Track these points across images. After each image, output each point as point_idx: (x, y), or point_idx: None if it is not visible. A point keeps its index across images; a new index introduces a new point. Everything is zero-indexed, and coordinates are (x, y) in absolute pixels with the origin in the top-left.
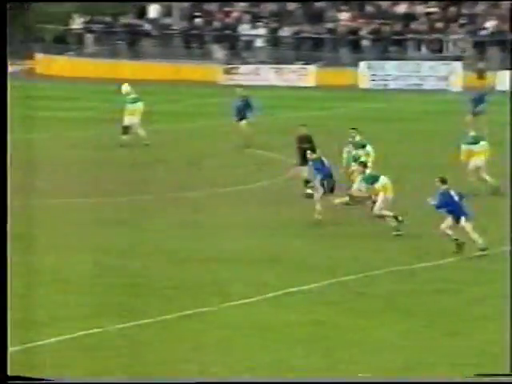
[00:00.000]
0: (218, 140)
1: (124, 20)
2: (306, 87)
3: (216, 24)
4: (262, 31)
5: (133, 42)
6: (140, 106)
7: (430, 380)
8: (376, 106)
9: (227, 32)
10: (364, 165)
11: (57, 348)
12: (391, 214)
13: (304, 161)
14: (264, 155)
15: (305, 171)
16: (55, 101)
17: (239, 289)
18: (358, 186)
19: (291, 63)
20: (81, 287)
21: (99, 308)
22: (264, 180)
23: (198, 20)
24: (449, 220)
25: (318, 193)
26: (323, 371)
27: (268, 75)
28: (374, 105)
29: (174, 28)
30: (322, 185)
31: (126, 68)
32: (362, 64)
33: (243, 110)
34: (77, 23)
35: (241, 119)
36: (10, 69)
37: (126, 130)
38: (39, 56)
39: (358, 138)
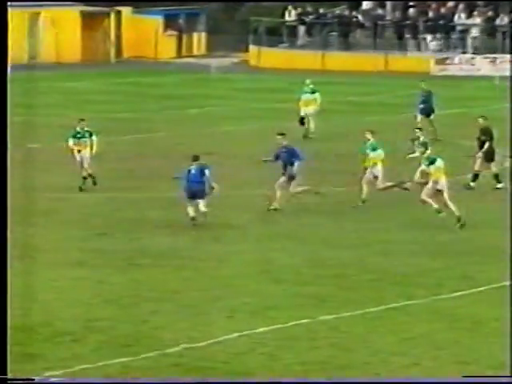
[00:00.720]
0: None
1: (337, 11)
2: None
3: (430, 14)
4: (477, 20)
5: (344, 33)
6: (316, 96)
7: (430, 380)
8: None
9: (441, 22)
10: (425, 146)
11: (266, 337)
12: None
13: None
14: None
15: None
16: (266, 93)
17: (447, 281)
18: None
19: (508, 53)
20: (291, 277)
21: (307, 298)
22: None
23: (411, 10)
24: None
25: (280, 180)
26: None
27: (482, 65)
28: None
29: (387, 19)
30: (284, 173)
31: (337, 59)
32: None
33: (427, 104)
34: (292, 15)
35: (427, 114)
36: (226, 62)
37: (303, 120)
38: (253, 48)
39: (422, 138)
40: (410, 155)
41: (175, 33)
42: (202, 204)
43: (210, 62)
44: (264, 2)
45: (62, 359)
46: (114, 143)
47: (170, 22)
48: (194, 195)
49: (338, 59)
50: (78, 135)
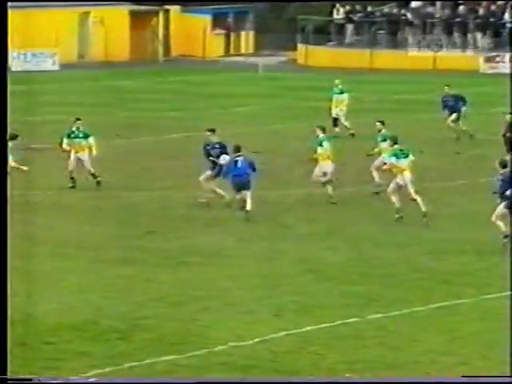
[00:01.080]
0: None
1: (386, 9)
2: None
3: (480, 12)
4: None
5: (393, 31)
6: (344, 97)
7: (430, 380)
8: None
9: (491, 20)
10: (394, 141)
11: (313, 336)
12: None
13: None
14: None
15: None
16: (313, 91)
17: (496, 280)
18: (386, 161)
19: None
20: (338, 276)
21: (354, 297)
22: None
23: (461, 8)
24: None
25: (205, 174)
26: None
27: None
28: None
29: (437, 17)
30: (213, 168)
31: (385, 57)
32: None
33: (453, 106)
34: (340, 13)
35: (452, 115)
36: (273, 60)
37: (336, 121)
38: (301, 47)
39: (383, 131)
40: (371, 152)
41: (223, 31)
42: (248, 195)
43: (258, 60)
44: (313, 1)
45: (109, 357)
46: (162, 141)
47: (218, 20)
48: (242, 187)
49: (386, 57)
50: (72, 135)
